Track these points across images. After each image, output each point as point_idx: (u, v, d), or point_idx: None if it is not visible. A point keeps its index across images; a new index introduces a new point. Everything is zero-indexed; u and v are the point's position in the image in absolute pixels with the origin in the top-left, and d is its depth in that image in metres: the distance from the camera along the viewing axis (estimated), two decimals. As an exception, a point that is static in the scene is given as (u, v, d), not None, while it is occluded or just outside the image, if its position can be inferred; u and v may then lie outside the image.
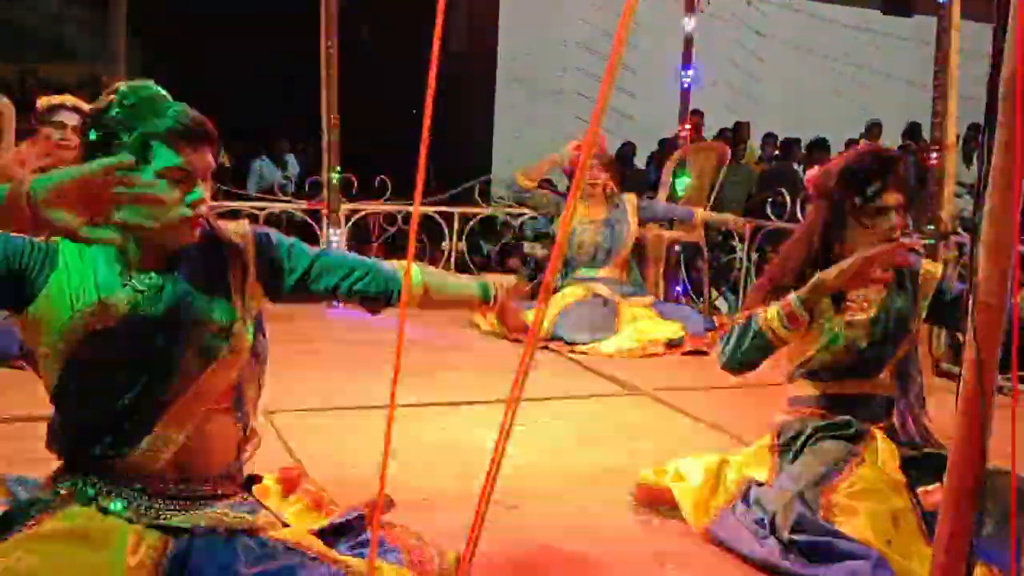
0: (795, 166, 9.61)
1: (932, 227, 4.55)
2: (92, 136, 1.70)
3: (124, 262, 1.75)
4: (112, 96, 1.71)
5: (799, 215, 5.47)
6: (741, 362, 2.45)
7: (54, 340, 1.70)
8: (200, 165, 1.70)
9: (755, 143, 10.64)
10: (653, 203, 5.86)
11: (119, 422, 1.74)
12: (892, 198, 2.42)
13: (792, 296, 2.36)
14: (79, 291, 1.71)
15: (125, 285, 1.73)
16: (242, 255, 1.85)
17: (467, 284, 2.12)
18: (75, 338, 1.69)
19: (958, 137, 5.07)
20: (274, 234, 1.94)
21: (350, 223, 5.93)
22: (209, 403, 1.80)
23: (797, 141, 9.87)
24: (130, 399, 1.73)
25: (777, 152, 10.10)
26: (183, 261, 1.78)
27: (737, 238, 6.23)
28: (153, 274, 1.75)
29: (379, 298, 1.98)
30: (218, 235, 1.84)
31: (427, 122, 1.23)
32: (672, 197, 6.55)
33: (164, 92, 1.75)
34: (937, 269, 2.61)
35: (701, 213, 5.76)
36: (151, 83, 1.76)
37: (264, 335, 1.92)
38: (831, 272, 2.34)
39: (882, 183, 2.41)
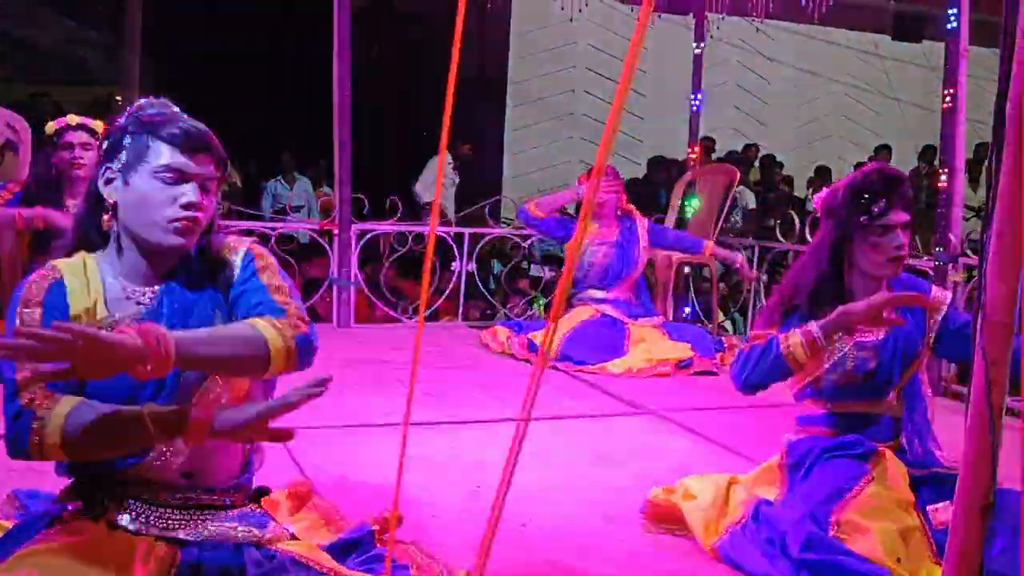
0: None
1: (941, 249, 4.57)
2: (105, 144, 1.81)
3: (131, 278, 1.79)
4: (128, 109, 1.82)
5: (807, 236, 5.49)
6: (757, 383, 2.46)
7: None
8: (197, 172, 1.75)
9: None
10: (664, 229, 5.80)
11: None
12: (898, 217, 2.44)
13: (815, 327, 2.36)
14: (91, 308, 1.75)
15: (129, 299, 1.78)
16: (229, 269, 1.84)
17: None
18: None
19: (967, 161, 5.10)
20: (257, 257, 1.85)
21: (361, 243, 5.96)
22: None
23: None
24: None
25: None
26: (182, 273, 1.81)
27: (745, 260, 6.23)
28: (155, 287, 1.79)
29: None
30: (213, 249, 1.86)
31: (443, 144, 1.25)
32: (681, 219, 6.57)
33: (176, 109, 1.83)
34: (946, 296, 2.62)
35: (710, 246, 5.64)
36: (166, 101, 1.85)
37: None
38: (857, 306, 2.34)
39: (888, 202, 2.43)
